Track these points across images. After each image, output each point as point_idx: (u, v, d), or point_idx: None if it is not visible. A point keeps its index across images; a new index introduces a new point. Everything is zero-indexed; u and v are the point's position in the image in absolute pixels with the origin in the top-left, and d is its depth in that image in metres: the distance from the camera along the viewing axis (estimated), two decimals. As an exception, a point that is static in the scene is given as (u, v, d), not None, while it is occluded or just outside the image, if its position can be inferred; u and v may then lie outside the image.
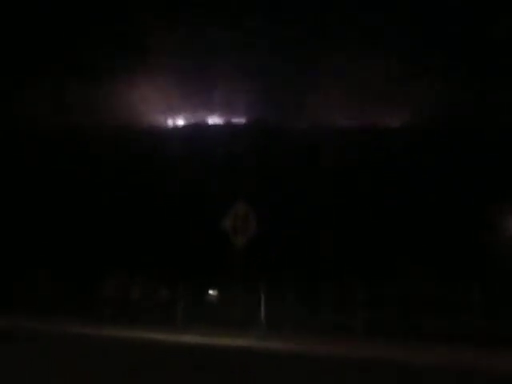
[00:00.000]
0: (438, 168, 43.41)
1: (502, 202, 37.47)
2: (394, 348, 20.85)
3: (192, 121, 54.37)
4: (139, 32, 53.51)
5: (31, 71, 51.42)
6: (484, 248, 36.96)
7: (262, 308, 27.71)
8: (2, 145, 46.10)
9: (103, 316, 31.92)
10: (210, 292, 36.89)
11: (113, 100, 51.47)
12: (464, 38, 51.23)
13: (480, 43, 50.33)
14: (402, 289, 28.86)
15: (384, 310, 27.41)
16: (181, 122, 54.68)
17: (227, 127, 53.29)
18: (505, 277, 30.60)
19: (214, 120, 54.54)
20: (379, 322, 26.59)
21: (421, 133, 47.41)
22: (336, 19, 53.15)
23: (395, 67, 51.17)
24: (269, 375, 13.80)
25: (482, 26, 50.52)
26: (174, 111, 54.41)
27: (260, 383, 12.80)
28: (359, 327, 26.79)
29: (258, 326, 27.26)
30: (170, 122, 54.51)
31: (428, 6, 52.86)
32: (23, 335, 22.63)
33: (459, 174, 41.92)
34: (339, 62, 51.51)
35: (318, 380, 13.28)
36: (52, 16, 52.88)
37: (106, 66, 51.74)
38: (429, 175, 43.13)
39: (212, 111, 54.29)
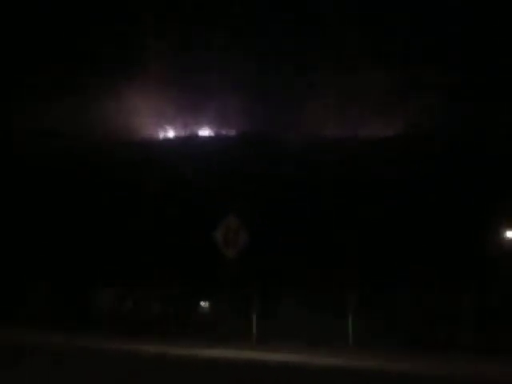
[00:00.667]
0: (435, 176, 43.58)
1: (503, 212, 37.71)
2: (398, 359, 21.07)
3: (183, 133, 54.45)
4: (128, 44, 53.59)
5: (19, 85, 51.45)
6: (484, 259, 37.14)
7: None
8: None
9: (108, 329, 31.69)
10: (202, 303, 36.99)
11: (103, 113, 51.53)
12: (461, 43, 51.45)
13: (478, 48, 50.62)
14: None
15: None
16: (172, 134, 54.79)
17: (218, 139, 53.37)
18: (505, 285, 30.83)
19: (205, 132, 54.65)
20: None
21: (417, 141, 47.56)
22: (329, 30, 53.08)
23: (390, 77, 51.32)
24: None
25: (481, 31, 50.78)
26: (165, 123, 54.52)
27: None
28: (351, 338, 26.98)
29: None
30: (161, 135, 54.58)
31: (425, 13, 52.98)
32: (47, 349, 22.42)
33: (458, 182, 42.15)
34: (332, 73, 51.70)
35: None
36: (41, 28, 52.92)
37: (95, 80, 51.78)
38: (426, 185, 43.28)
39: (203, 123, 54.41)
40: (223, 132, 54.16)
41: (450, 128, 47.70)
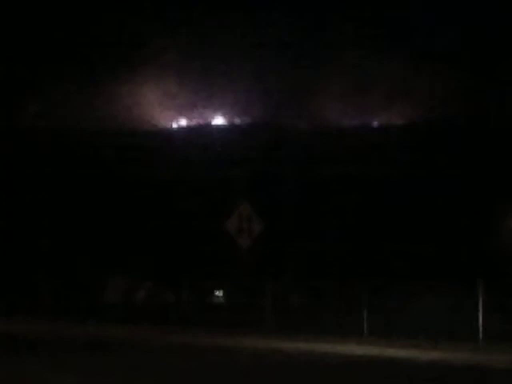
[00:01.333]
0: (444, 166, 43.36)
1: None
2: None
3: (195, 122, 54.27)
4: (141, 33, 53.36)
5: (31, 73, 51.32)
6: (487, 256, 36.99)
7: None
8: (5, 150, 46.09)
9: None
10: (216, 293, 36.93)
11: (114, 102, 51.38)
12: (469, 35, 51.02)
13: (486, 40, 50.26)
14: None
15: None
16: (184, 122, 54.60)
17: (231, 128, 53.22)
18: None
19: (217, 121, 54.47)
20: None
21: (425, 130, 47.35)
22: (337, 18, 52.74)
23: (399, 65, 50.98)
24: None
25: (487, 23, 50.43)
26: (178, 112, 54.32)
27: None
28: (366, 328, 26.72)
29: None
30: (173, 124, 54.41)
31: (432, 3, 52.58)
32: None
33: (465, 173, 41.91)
34: (342, 61, 51.39)
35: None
36: (51, 17, 52.74)
37: (107, 68, 51.56)
38: (434, 174, 43.06)
39: (215, 112, 54.20)
40: (236, 121, 53.97)
41: (463, 116, 47.47)
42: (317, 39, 52.72)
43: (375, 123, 52.72)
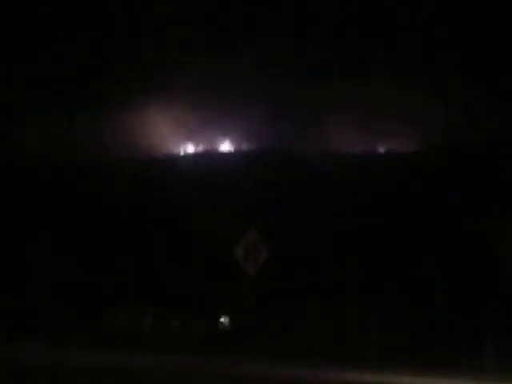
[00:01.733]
0: (454, 194, 43.42)
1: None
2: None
3: (203, 148, 54.47)
4: (149, 59, 53.67)
5: (38, 104, 51.54)
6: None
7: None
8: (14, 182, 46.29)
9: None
10: (222, 319, 36.98)
11: (122, 128, 51.61)
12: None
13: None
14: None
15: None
16: (191, 149, 54.79)
17: (238, 154, 53.37)
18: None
19: (225, 147, 54.66)
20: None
21: (434, 158, 47.42)
22: (349, 46, 53.01)
23: (408, 93, 51.19)
24: None
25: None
26: (185, 138, 54.55)
27: None
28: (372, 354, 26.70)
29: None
30: (180, 150, 54.61)
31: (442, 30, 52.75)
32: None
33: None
34: (352, 88, 51.62)
35: None
36: (59, 45, 53.03)
37: (115, 94, 51.80)
38: (445, 202, 43.13)
39: (223, 138, 54.42)
40: (244, 147, 54.17)
41: (473, 141, 47.55)
42: (327, 68, 53.09)
43: (382, 149, 52.89)
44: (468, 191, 42.72)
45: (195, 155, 54.41)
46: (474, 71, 51.83)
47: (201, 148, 54.70)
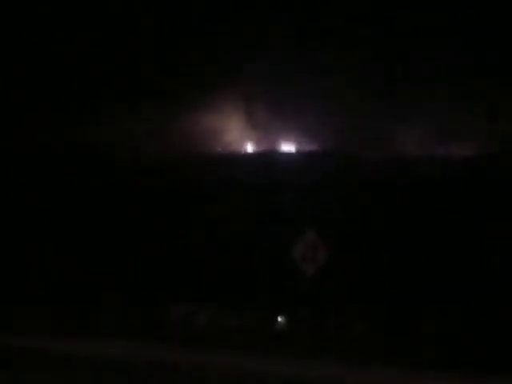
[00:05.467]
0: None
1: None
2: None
3: (265, 148, 54.31)
4: (212, 57, 53.68)
5: (103, 97, 51.85)
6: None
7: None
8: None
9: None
10: (279, 319, 36.90)
11: (185, 127, 51.71)
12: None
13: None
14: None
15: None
16: (253, 149, 54.67)
17: (300, 155, 53.12)
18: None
19: (287, 148, 54.42)
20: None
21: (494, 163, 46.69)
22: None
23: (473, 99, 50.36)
24: None
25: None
26: (247, 138, 54.48)
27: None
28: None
29: None
30: (242, 149, 54.53)
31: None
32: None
33: None
34: (419, 93, 50.96)
35: None
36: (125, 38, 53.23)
37: (177, 92, 51.85)
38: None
39: (286, 139, 54.18)
40: (305, 148, 53.85)
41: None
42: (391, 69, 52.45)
43: (442, 154, 52.13)
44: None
45: (257, 154, 54.31)
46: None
47: (262, 147, 54.57)
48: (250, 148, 54.80)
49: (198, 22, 53.79)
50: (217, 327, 36.30)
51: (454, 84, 50.40)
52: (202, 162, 49.15)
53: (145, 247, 43.04)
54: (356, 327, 31.64)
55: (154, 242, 43.28)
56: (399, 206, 43.91)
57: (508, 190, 42.82)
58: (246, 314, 34.58)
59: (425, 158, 50.22)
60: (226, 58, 52.95)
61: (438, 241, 41.46)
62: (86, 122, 50.32)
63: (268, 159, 52.25)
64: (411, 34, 52.38)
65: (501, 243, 39.27)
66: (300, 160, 51.67)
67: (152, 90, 51.97)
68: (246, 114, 53.57)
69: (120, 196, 45.98)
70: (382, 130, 51.31)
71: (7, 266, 41.67)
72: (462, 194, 43.87)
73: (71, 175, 47.02)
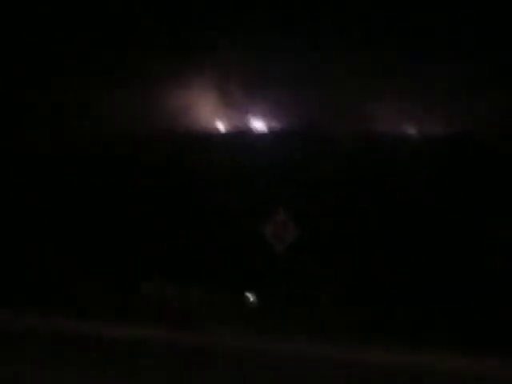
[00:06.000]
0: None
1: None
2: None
3: (235, 127, 54.30)
4: (184, 36, 53.47)
5: (83, 73, 51.51)
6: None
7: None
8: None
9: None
10: (247, 295, 37.13)
11: (156, 105, 51.55)
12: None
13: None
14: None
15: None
16: (223, 127, 54.64)
17: (271, 134, 53.18)
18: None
19: (257, 126, 54.43)
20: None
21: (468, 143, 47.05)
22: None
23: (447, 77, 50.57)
24: None
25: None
26: (218, 117, 54.43)
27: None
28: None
29: None
30: (212, 128, 54.47)
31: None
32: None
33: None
34: (388, 69, 51.08)
35: None
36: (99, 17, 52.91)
37: (145, 69, 51.61)
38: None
39: (256, 117, 54.18)
40: (276, 126, 53.94)
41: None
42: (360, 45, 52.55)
43: (414, 132, 52.39)
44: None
45: (227, 133, 54.30)
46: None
47: (233, 126, 54.54)
48: (221, 126, 54.84)
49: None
50: (188, 304, 36.47)
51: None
52: (171, 140, 49.13)
53: (115, 226, 43.07)
54: (324, 301, 31.98)
55: (124, 220, 43.33)
56: (370, 184, 44.24)
57: (481, 170, 43.33)
58: (217, 291, 34.79)
59: (397, 137, 50.56)
60: (199, 36, 52.88)
61: (405, 218, 41.88)
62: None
63: (239, 138, 52.35)
64: (383, 11, 52.62)
65: (475, 227, 39.82)
66: (271, 138, 51.80)
67: (124, 67, 51.80)
68: (219, 91, 53.58)
69: (92, 175, 45.94)
70: (354, 108, 51.53)
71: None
72: (433, 173, 44.33)
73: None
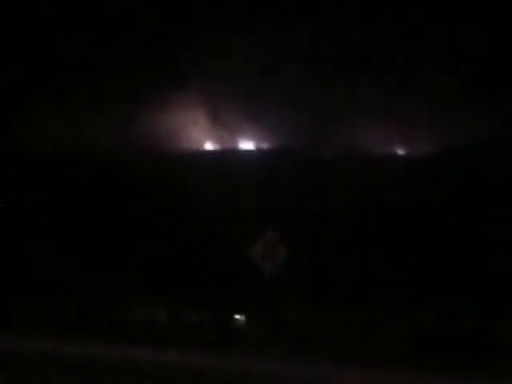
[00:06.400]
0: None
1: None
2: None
3: (221, 146, 54.44)
4: (170, 57, 53.56)
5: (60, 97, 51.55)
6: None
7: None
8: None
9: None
10: (237, 317, 37.10)
11: (142, 126, 51.63)
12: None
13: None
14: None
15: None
16: (210, 147, 54.76)
17: (257, 153, 53.34)
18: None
19: (244, 146, 54.61)
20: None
21: (449, 161, 47.27)
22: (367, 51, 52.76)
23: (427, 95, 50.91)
24: None
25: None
26: (204, 136, 54.54)
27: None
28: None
29: None
30: (199, 148, 54.58)
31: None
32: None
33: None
34: (370, 91, 51.37)
35: None
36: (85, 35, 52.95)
37: (134, 92, 51.71)
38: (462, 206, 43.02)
39: (246, 137, 54.35)
40: (263, 146, 54.11)
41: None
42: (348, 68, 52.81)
43: (401, 152, 52.69)
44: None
45: (214, 152, 54.41)
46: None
47: (220, 146, 54.68)
48: (209, 146, 54.91)
49: (160, 19, 53.75)
50: (177, 323, 36.44)
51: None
52: (162, 161, 49.18)
53: (104, 246, 43.03)
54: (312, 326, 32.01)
55: (114, 240, 43.30)
56: (358, 202, 44.40)
57: (468, 186, 43.56)
58: (206, 312, 34.82)
59: (385, 157, 50.79)
60: (188, 57, 53.04)
61: (396, 236, 42.05)
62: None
63: (228, 157, 52.46)
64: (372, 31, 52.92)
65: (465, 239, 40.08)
66: (259, 158, 51.93)
67: (114, 89, 51.83)
68: (208, 112, 53.71)
69: (78, 192, 45.94)
70: (342, 129, 51.76)
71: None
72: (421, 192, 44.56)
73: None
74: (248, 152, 54.15)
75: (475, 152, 46.79)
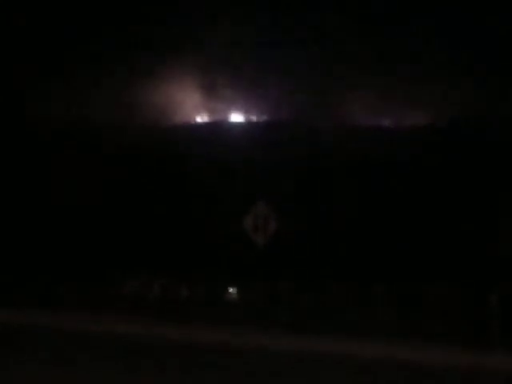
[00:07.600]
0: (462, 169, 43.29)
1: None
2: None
3: (213, 119, 54.31)
4: (160, 28, 53.36)
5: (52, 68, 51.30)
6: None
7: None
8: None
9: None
10: (230, 290, 37.07)
11: (134, 98, 51.44)
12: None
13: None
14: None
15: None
16: (201, 119, 54.62)
17: (249, 126, 53.23)
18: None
19: (235, 118, 54.48)
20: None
21: (443, 133, 47.23)
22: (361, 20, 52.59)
23: (420, 67, 50.85)
24: None
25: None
26: (196, 109, 54.37)
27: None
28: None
29: None
30: (190, 120, 54.44)
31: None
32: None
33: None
34: (364, 62, 51.32)
35: None
36: (75, 12, 52.75)
37: (125, 63, 51.48)
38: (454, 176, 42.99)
39: (234, 110, 54.21)
40: (254, 118, 54.01)
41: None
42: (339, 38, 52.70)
43: (394, 123, 52.69)
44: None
45: (206, 125, 54.30)
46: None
47: (212, 118, 54.56)
48: (202, 118, 54.81)
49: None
50: (169, 298, 36.38)
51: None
52: (153, 133, 49.05)
53: (97, 220, 42.96)
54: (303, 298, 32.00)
55: (106, 215, 43.23)
56: (348, 175, 44.31)
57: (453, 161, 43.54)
58: (197, 286, 34.77)
59: (373, 128, 50.75)
60: (184, 29, 52.86)
61: (384, 210, 42.06)
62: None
63: (219, 130, 52.33)
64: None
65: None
66: (250, 130, 51.82)
67: (111, 60, 51.77)
68: (202, 84, 53.59)
69: (69, 167, 45.74)
70: (331, 100, 51.68)
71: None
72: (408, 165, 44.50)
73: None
74: (240, 124, 54.07)
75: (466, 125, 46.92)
